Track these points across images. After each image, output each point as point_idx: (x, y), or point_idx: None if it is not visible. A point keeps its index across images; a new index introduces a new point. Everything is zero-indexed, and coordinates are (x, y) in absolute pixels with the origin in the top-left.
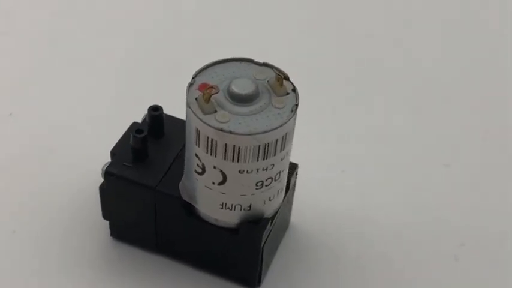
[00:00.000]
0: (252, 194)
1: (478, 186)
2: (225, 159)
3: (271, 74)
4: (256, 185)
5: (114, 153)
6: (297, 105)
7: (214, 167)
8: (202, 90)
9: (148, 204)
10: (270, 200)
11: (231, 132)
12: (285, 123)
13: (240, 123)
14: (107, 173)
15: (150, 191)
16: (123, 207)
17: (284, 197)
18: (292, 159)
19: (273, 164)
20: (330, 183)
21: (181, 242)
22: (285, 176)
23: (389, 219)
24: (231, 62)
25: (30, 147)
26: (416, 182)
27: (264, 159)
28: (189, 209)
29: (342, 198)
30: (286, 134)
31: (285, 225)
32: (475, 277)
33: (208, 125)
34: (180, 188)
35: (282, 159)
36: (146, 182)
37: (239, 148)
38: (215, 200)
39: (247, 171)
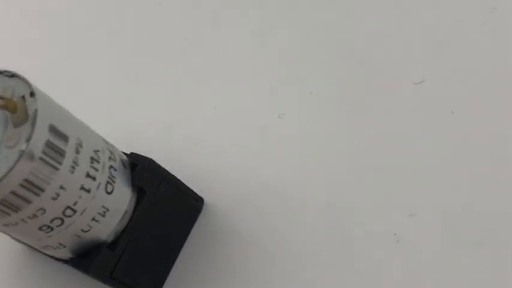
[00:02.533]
0: (49, 237)
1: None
2: None
3: (22, 89)
4: (42, 230)
5: None
6: (28, 141)
7: None
8: None
9: None
10: (86, 232)
11: None
12: (8, 173)
13: None
14: None
15: None
16: None
17: (137, 204)
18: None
19: (43, 209)
20: (266, 131)
21: None
22: (92, 204)
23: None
24: None
25: None
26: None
27: (16, 211)
28: None
29: (280, 150)
30: (26, 180)
31: (187, 216)
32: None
33: None
34: None
35: (54, 199)
36: None
37: None
38: (25, 242)
39: (10, 223)
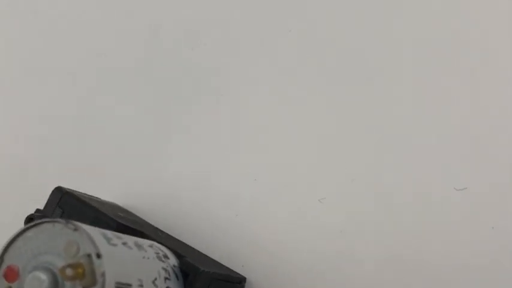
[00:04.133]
0: None
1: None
2: None
3: (87, 247)
4: None
5: None
6: None
7: None
8: (7, 280)
9: None
10: None
11: None
12: None
13: None
14: None
15: None
16: None
17: None
18: None
19: None
20: (306, 213)
21: None
22: None
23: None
24: (43, 225)
25: None
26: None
27: None
28: None
29: (318, 235)
30: None
31: None
32: None
33: None
34: None
35: None
36: None
37: None
38: None
39: None
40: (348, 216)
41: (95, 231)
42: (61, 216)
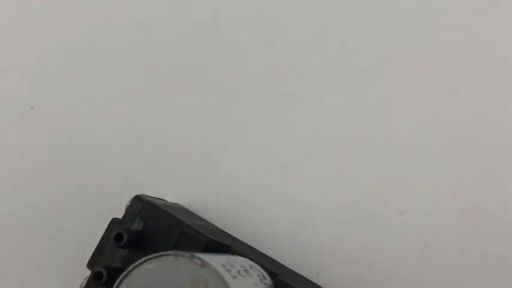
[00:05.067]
0: None
1: None
2: None
3: (215, 283)
4: None
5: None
6: None
7: None
8: None
9: None
10: None
11: None
12: None
13: None
14: None
15: None
16: None
17: None
18: None
19: None
20: (384, 225)
21: None
22: None
23: None
24: (164, 257)
25: None
26: None
27: None
28: None
29: (397, 248)
30: None
31: None
32: None
33: None
34: None
35: None
36: None
37: None
38: None
39: None
40: (429, 230)
41: (217, 263)
42: (143, 228)
